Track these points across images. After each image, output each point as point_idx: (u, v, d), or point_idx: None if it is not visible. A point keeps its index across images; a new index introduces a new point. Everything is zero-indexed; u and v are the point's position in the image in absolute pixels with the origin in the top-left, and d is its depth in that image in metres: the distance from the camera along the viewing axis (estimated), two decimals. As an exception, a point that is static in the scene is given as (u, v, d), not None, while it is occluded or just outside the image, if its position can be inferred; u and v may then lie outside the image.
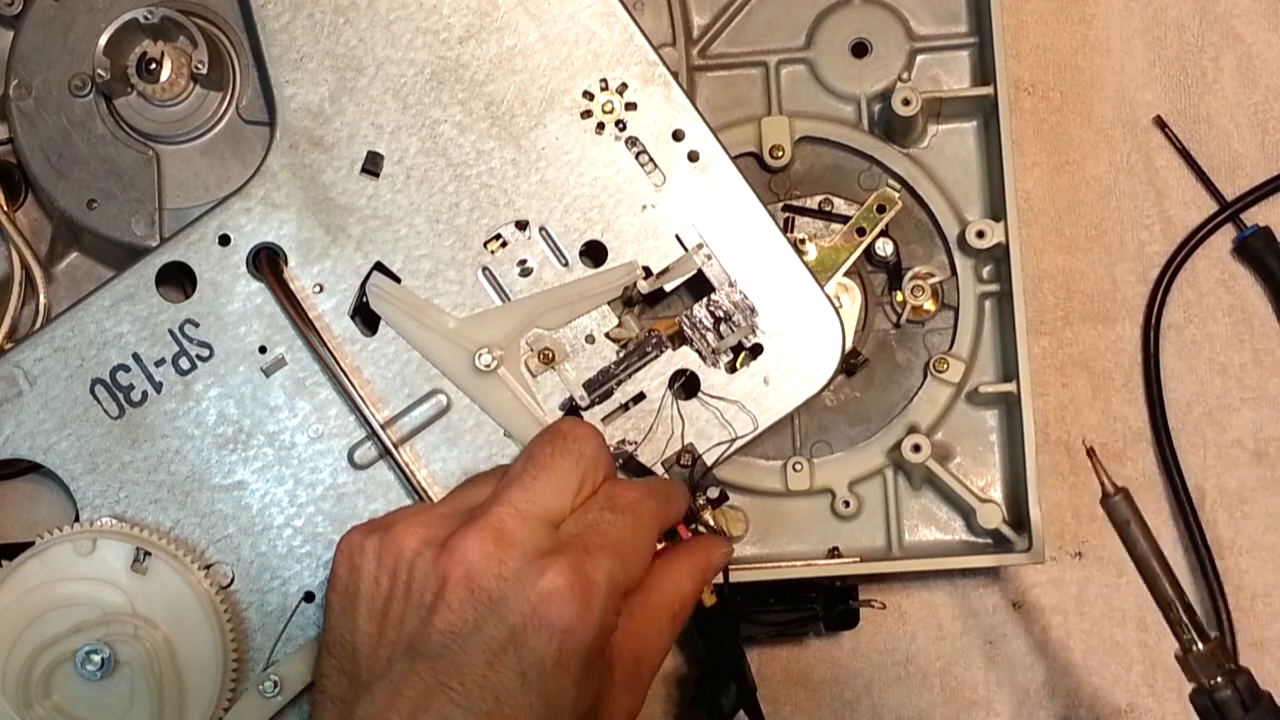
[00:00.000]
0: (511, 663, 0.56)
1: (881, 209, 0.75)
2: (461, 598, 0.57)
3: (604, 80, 0.69)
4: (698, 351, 0.68)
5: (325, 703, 0.60)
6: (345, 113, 0.69)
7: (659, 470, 0.68)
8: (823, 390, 0.69)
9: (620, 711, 0.60)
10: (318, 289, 0.69)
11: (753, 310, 0.68)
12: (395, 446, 0.68)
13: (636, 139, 0.69)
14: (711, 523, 0.67)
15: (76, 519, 0.68)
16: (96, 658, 0.65)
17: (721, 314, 0.68)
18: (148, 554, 0.67)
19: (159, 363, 0.68)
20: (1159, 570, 0.61)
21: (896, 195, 0.75)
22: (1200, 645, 0.60)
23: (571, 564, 0.57)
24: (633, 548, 0.60)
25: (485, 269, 0.69)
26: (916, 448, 0.73)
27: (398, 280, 0.69)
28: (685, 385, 0.69)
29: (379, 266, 0.69)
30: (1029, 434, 0.72)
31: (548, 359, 0.68)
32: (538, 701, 0.56)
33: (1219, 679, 0.60)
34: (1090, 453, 0.63)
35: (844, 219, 0.75)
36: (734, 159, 0.69)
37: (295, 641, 0.68)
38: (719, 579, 0.69)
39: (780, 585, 0.74)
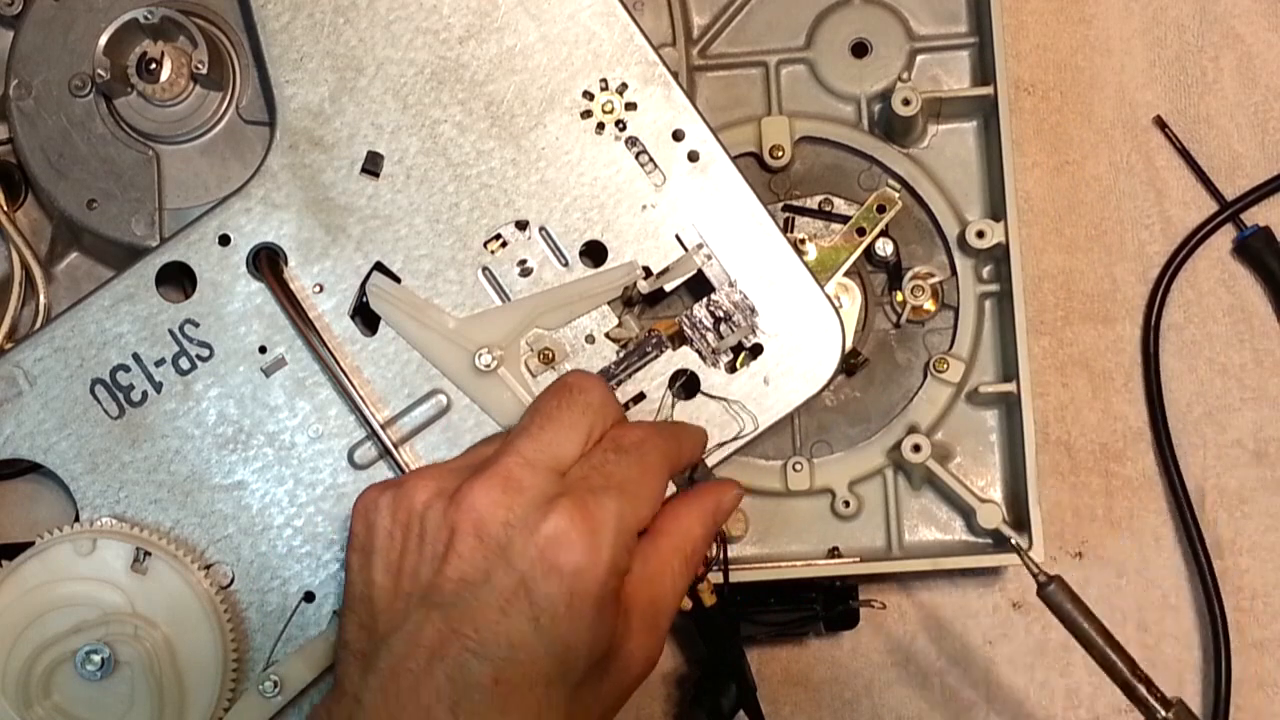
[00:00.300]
0: (524, 608, 0.57)
1: (881, 209, 0.75)
2: (471, 546, 0.58)
3: (604, 80, 0.69)
4: (698, 351, 0.68)
5: (347, 657, 0.61)
6: (345, 113, 0.69)
7: None
8: (823, 390, 0.69)
9: (640, 657, 0.61)
10: (318, 289, 0.69)
11: (753, 310, 0.68)
12: (395, 446, 0.68)
13: (636, 139, 0.69)
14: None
15: (76, 519, 0.68)
16: (96, 658, 0.65)
17: (721, 314, 0.68)
18: (148, 554, 0.67)
19: (159, 363, 0.68)
20: (1110, 651, 0.63)
21: (896, 195, 0.75)
22: (1164, 712, 0.62)
23: (576, 505, 0.58)
24: (640, 485, 0.60)
25: (485, 269, 0.69)
26: (916, 448, 0.73)
27: (398, 280, 0.69)
28: (685, 385, 0.69)
29: (379, 266, 0.69)
30: (1029, 434, 0.72)
31: (548, 359, 0.68)
32: (552, 646, 0.57)
33: None
34: (1017, 549, 0.66)
35: (844, 219, 0.75)
36: (734, 159, 0.69)
37: (295, 641, 0.68)
38: (719, 579, 0.69)
39: (780, 585, 0.74)
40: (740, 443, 0.68)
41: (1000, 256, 0.74)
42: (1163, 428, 0.79)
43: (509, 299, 0.69)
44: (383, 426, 0.68)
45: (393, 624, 0.59)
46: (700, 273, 0.68)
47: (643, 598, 0.60)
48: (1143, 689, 0.62)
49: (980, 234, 0.73)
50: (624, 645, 0.60)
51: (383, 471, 0.68)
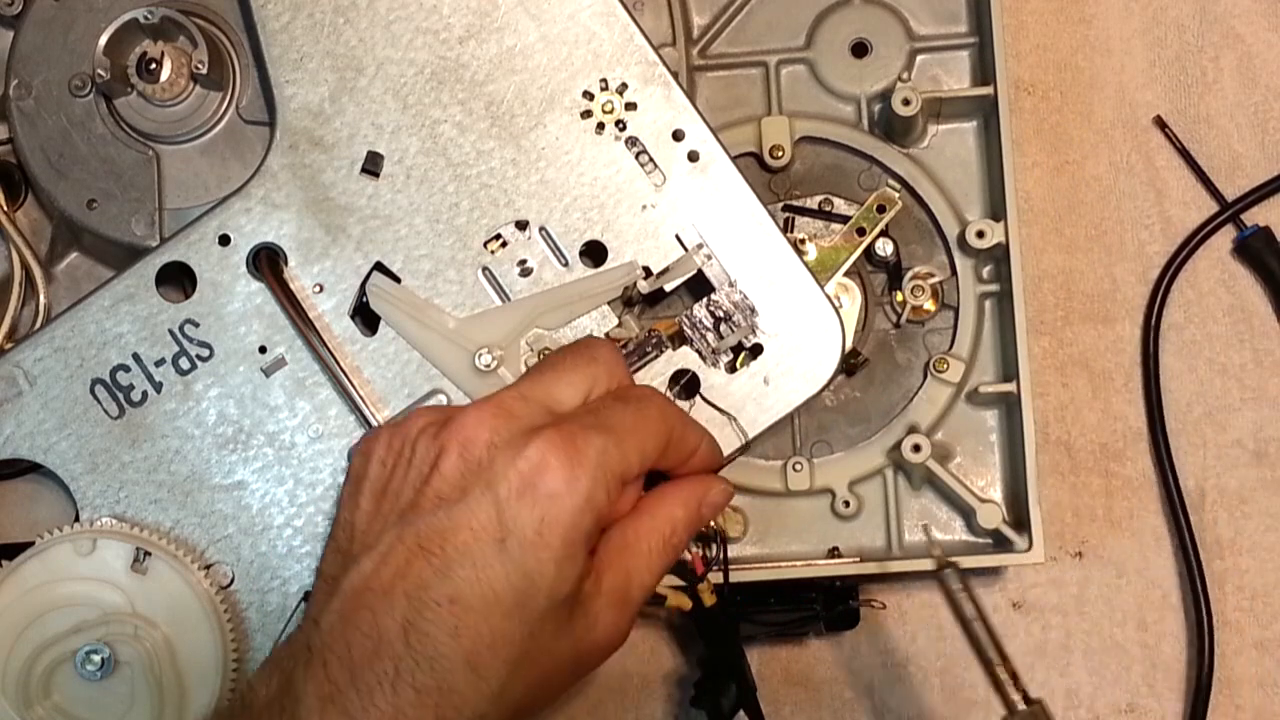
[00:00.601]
0: (493, 530, 0.57)
1: (881, 209, 0.75)
2: (453, 465, 0.58)
3: (604, 80, 0.69)
4: (698, 351, 0.68)
5: (319, 583, 0.61)
6: (345, 113, 0.69)
7: None
8: (823, 390, 0.69)
9: (606, 623, 0.60)
10: (318, 289, 0.69)
11: (753, 310, 0.68)
12: (395, 446, 0.68)
13: (636, 139, 0.69)
14: (711, 522, 0.67)
15: (76, 519, 0.68)
16: (96, 658, 0.65)
17: (721, 314, 0.68)
18: (148, 554, 0.67)
19: (159, 363, 0.68)
20: (986, 638, 0.64)
21: (896, 195, 0.75)
22: (1024, 706, 0.64)
23: (561, 435, 0.58)
24: (631, 433, 0.60)
25: (485, 269, 0.69)
26: (916, 448, 0.73)
27: (398, 280, 0.69)
28: (685, 385, 0.69)
29: (379, 266, 0.69)
30: (1029, 434, 0.72)
31: (548, 359, 0.68)
32: (515, 572, 0.57)
33: None
34: (925, 529, 0.68)
35: (844, 219, 0.75)
36: (734, 159, 0.69)
37: (295, 641, 0.68)
38: (719, 579, 0.69)
39: (780, 585, 0.74)
40: (740, 443, 0.68)
41: (1000, 256, 0.74)
42: (1160, 427, 0.79)
43: (509, 299, 0.69)
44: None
45: (366, 545, 0.59)
46: (700, 273, 0.68)
47: (616, 566, 0.61)
48: (1010, 682, 0.64)
49: (980, 234, 0.73)
50: (590, 606, 0.60)
51: (383, 471, 0.68)
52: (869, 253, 0.75)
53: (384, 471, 0.61)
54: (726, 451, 0.68)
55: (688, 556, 0.67)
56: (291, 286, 0.68)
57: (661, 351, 0.68)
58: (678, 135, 0.69)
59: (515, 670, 0.57)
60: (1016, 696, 0.63)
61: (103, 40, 0.70)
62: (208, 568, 0.68)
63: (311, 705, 0.56)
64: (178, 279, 0.70)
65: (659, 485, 0.64)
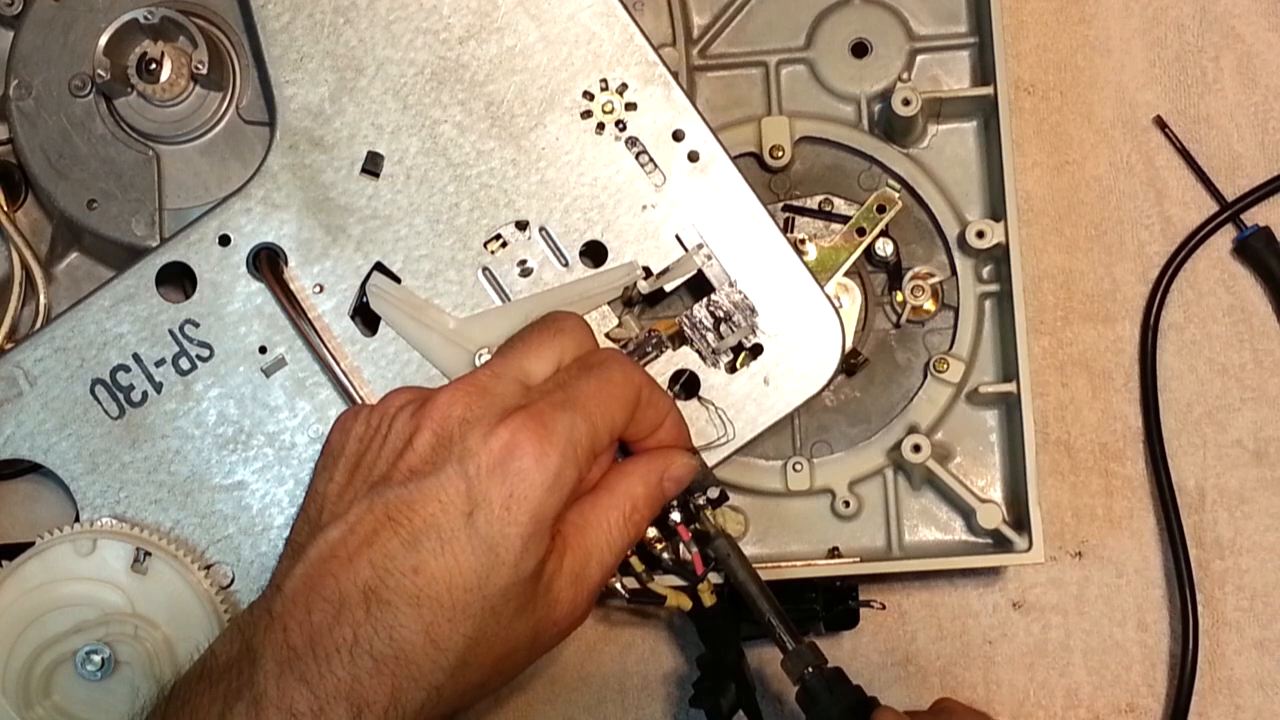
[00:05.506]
0: (461, 504, 0.58)
1: (881, 209, 0.75)
2: (427, 441, 0.59)
3: (604, 80, 0.69)
4: (698, 351, 0.68)
5: (285, 550, 0.62)
6: (345, 113, 0.69)
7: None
8: (823, 390, 0.69)
9: (566, 601, 0.61)
10: (318, 289, 0.69)
11: (753, 310, 0.68)
12: (395, 446, 0.68)
13: (636, 139, 0.69)
14: (712, 521, 0.67)
15: (76, 519, 0.68)
16: (96, 658, 0.65)
17: (721, 314, 0.68)
18: (148, 554, 0.67)
19: (159, 363, 0.69)
20: (757, 594, 0.67)
21: (896, 195, 0.75)
22: (793, 645, 0.66)
23: (531, 415, 0.59)
24: (597, 401, 0.61)
25: (485, 269, 0.69)
26: (916, 448, 0.73)
27: (398, 280, 0.69)
28: (685, 385, 0.69)
29: (379, 266, 0.69)
30: (1029, 434, 0.72)
31: (548, 359, 0.68)
32: (481, 546, 0.57)
33: (810, 669, 0.66)
34: (717, 503, 0.68)
35: (844, 219, 0.75)
36: (734, 159, 0.69)
37: (295, 641, 0.68)
38: (719, 579, 0.69)
39: (780, 585, 0.74)
40: (740, 443, 0.68)
41: (1000, 256, 0.74)
42: (1155, 427, 0.79)
43: (509, 299, 0.69)
44: (383, 426, 0.67)
45: (335, 514, 0.60)
46: (700, 273, 0.68)
47: (576, 545, 0.61)
48: (780, 626, 0.66)
49: (980, 234, 0.73)
50: (552, 585, 0.60)
51: (383, 471, 0.68)
52: (869, 253, 0.75)
53: (360, 447, 0.62)
54: (722, 454, 0.68)
55: (688, 556, 0.67)
56: (291, 287, 0.68)
57: (661, 351, 0.68)
58: (678, 135, 0.69)
59: (473, 645, 0.58)
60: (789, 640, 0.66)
61: (103, 40, 0.70)
62: (208, 568, 0.68)
63: (269, 669, 0.56)
64: (178, 279, 0.70)
65: (621, 461, 0.64)
